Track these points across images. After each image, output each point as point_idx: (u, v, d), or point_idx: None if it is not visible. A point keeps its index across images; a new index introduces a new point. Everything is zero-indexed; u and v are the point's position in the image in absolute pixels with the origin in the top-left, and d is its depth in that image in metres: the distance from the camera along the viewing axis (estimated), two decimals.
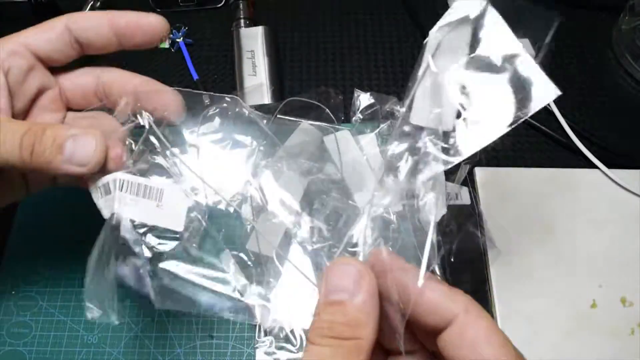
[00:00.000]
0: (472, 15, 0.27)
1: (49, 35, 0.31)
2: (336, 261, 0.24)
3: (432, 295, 0.23)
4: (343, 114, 0.50)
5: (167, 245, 0.32)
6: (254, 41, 0.53)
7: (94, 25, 0.30)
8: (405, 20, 0.60)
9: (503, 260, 0.43)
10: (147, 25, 0.31)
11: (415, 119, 0.28)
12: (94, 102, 0.33)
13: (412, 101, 0.28)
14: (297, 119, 0.47)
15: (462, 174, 0.47)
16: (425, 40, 0.27)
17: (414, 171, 0.29)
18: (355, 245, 0.28)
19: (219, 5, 0.61)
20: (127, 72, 0.33)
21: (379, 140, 0.47)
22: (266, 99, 0.50)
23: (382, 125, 0.48)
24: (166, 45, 0.57)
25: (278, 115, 0.47)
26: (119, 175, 0.29)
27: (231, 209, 0.43)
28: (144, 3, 0.60)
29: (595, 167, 0.48)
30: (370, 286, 0.23)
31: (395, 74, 0.56)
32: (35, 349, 0.40)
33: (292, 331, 0.40)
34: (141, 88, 0.32)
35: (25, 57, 0.30)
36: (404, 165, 0.29)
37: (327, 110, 0.48)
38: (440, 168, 0.27)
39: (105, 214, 0.29)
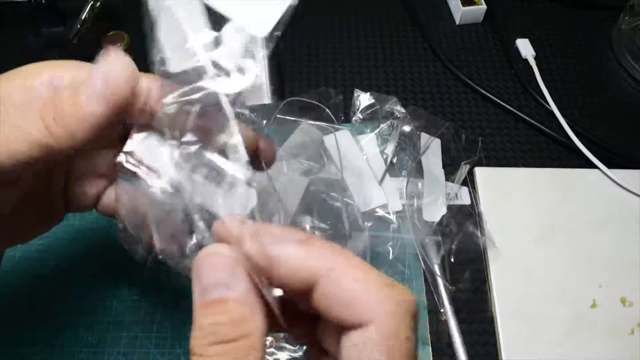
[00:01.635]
0: None
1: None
2: (203, 253, 0.21)
3: (288, 256, 0.20)
4: (343, 114, 0.50)
5: None
6: (254, 41, 0.53)
7: None
8: (405, 20, 0.60)
9: (503, 260, 0.43)
10: None
11: (173, 66, 0.24)
12: None
13: (161, 52, 0.24)
14: (297, 119, 0.47)
15: (462, 174, 0.47)
16: None
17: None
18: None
19: None
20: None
21: (379, 140, 0.47)
22: (266, 99, 0.50)
23: (382, 125, 0.48)
24: None
25: (278, 115, 0.47)
26: None
27: None
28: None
29: (595, 167, 0.48)
30: (246, 272, 0.20)
31: (395, 74, 0.56)
32: (35, 348, 0.40)
33: None
34: None
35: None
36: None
37: (327, 110, 0.48)
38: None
39: None
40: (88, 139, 0.23)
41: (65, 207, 0.30)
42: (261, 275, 0.20)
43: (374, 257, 0.42)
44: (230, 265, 0.20)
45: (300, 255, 0.20)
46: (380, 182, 0.45)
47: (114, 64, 0.23)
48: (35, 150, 0.22)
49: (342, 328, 0.19)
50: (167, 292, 0.42)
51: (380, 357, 0.18)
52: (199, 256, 0.21)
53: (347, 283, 0.19)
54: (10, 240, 0.30)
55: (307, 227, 0.42)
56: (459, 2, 0.58)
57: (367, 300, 0.19)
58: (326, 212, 0.43)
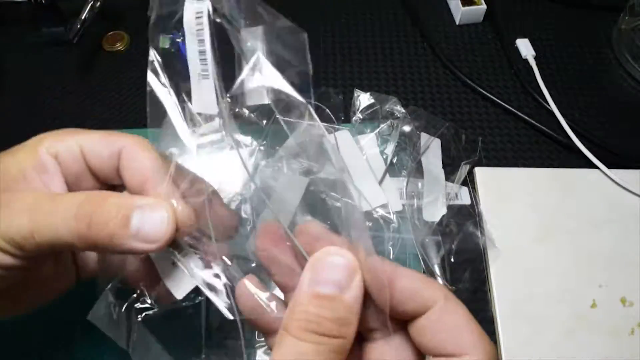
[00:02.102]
0: None
1: (104, 150, 0.28)
2: (325, 250, 0.22)
3: (410, 282, 0.22)
4: (343, 114, 0.50)
5: None
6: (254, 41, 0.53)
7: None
8: (405, 20, 0.60)
9: (503, 260, 0.43)
10: None
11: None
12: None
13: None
14: (297, 119, 0.47)
15: (462, 174, 0.47)
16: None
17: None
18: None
19: None
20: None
21: (379, 140, 0.47)
22: (266, 99, 0.50)
23: (382, 125, 0.48)
24: (166, 45, 0.57)
25: (278, 115, 0.47)
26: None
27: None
28: (144, 4, 0.60)
29: (595, 167, 0.48)
30: (361, 282, 0.22)
31: (395, 74, 0.56)
32: (35, 348, 0.40)
33: None
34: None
35: (78, 160, 0.28)
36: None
37: (327, 110, 0.48)
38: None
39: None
40: (109, 252, 0.25)
41: (77, 275, 0.32)
42: (375, 297, 0.22)
43: None
44: (350, 270, 0.22)
45: (421, 282, 0.22)
46: (380, 182, 0.45)
47: (167, 221, 0.25)
48: (59, 245, 0.24)
49: (436, 356, 0.22)
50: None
51: None
52: (321, 251, 0.22)
53: (454, 316, 0.22)
54: (24, 307, 0.30)
55: None
56: (459, 2, 0.58)
57: (470, 334, 0.21)
58: (326, 212, 0.43)
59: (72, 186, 0.28)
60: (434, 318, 0.22)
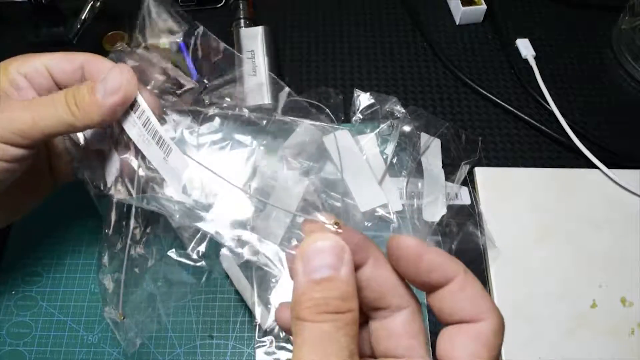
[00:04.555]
0: None
1: (67, 66, 0.33)
2: (310, 238, 0.24)
3: (436, 256, 0.25)
4: (343, 114, 0.50)
5: None
6: (254, 41, 0.53)
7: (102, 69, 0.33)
8: (405, 20, 0.60)
9: (503, 260, 0.43)
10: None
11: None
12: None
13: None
14: (297, 119, 0.47)
15: (462, 174, 0.47)
16: None
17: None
18: None
19: (219, 5, 0.61)
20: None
21: (378, 140, 0.47)
22: (266, 99, 0.50)
23: (382, 125, 0.48)
24: (166, 45, 0.57)
25: (278, 116, 0.47)
26: (147, 109, 0.32)
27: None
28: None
29: (595, 167, 0.48)
30: (350, 256, 0.24)
31: (395, 74, 0.56)
32: (35, 349, 0.40)
33: None
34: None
35: (46, 77, 0.33)
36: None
37: (327, 110, 0.48)
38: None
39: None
40: (101, 121, 0.30)
41: (54, 182, 0.38)
42: (403, 268, 0.25)
43: None
44: (337, 250, 0.23)
45: (445, 257, 0.25)
46: (380, 182, 0.45)
47: (122, 72, 0.31)
48: (61, 126, 0.30)
49: (453, 323, 0.24)
50: (167, 292, 0.42)
51: (483, 347, 0.23)
52: (306, 243, 0.24)
53: (473, 287, 0.24)
54: (11, 213, 0.37)
55: None
56: (459, 2, 0.58)
57: (487, 302, 0.24)
58: (326, 211, 0.43)
59: None
60: (457, 288, 0.24)
